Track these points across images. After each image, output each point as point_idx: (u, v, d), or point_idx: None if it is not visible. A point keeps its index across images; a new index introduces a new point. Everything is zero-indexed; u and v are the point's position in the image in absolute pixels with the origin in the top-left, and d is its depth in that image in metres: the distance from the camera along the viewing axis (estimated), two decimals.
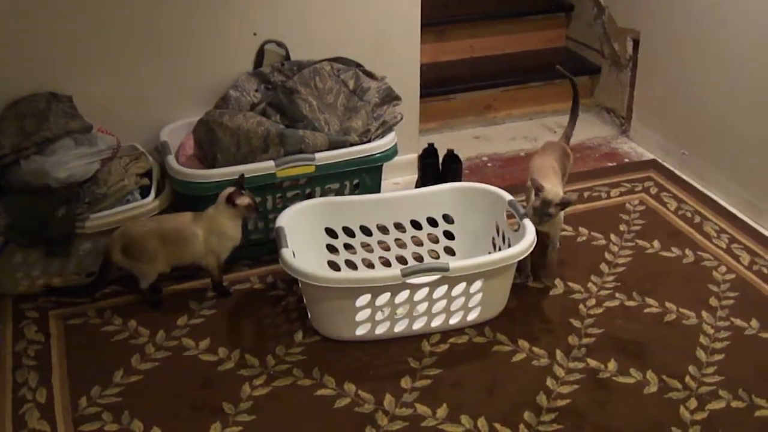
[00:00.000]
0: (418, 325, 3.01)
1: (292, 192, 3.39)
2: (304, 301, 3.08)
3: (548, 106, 4.90)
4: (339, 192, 3.47)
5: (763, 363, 2.93)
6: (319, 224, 3.28)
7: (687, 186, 4.08)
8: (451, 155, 3.93)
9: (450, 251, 3.43)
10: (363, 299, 2.88)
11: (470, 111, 4.77)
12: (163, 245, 3.11)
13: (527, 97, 4.83)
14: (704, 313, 3.16)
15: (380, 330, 2.98)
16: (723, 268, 3.43)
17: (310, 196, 3.40)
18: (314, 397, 2.77)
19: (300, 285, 3.01)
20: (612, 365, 2.90)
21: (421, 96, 4.10)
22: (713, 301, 3.23)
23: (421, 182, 3.93)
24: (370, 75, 3.63)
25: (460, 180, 3.83)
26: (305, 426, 2.66)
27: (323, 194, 3.43)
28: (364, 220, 3.34)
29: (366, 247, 3.38)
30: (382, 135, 3.48)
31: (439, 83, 4.62)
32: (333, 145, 3.36)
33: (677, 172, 4.21)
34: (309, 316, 3.07)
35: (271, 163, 3.26)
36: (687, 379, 2.84)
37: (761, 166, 3.73)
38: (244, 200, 3.11)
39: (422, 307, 2.97)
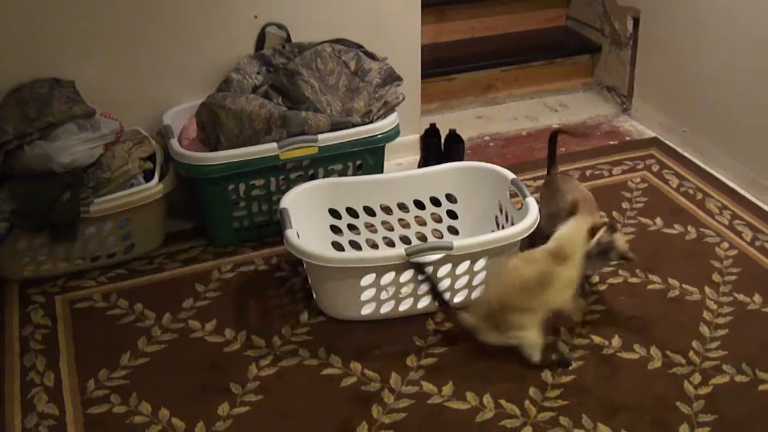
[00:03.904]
0: (422, 304, 3.02)
1: (296, 174, 3.40)
2: (309, 281, 3.09)
3: (549, 85, 4.90)
4: (342, 173, 3.48)
5: (766, 337, 2.95)
6: (323, 205, 3.28)
7: (689, 163, 4.09)
8: (453, 135, 3.94)
9: (453, 230, 3.43)
10: (368, 279, 2.90)
11: (472, 91, 4.77)
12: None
13: (528, 77, 4.83)
14: (707, 289, 3.18)
15: (385, 309, 3.00)
16: (725, 245, 3.44)
17: (314, 177, 3.41)
18: (320, 376, 2.79)
19: (305, 266, 3.03)
20: (616, 341, 2.92)
21: (423, 76, 4.10)
22: (716, 277, 3.24)
23: (424, 162, 3.94)
24: (371, 56, 3.64)
25: (462, 160, 3.84)
26: (312, 405, 2.68)
27: (326, 175, 3.44)
28: (367, 200, 3.35)
29: (370, 227, 3.39)
30: (384, 116, 3.48)
31: (440, 64, 4.62)
32: (335, 127, 3.36)
33: (679, 150, 4.21)
34: (314, 296, 3.08)
35: (274, 145, 3.26)
36: (691, 354, 2.86)
37: (762, 142, 3.74)
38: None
39: (427, 286, 2.98)
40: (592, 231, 2.85)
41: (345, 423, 2.61)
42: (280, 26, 3.65)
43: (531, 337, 2.76)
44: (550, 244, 2.84)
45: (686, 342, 2.92)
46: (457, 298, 3.04)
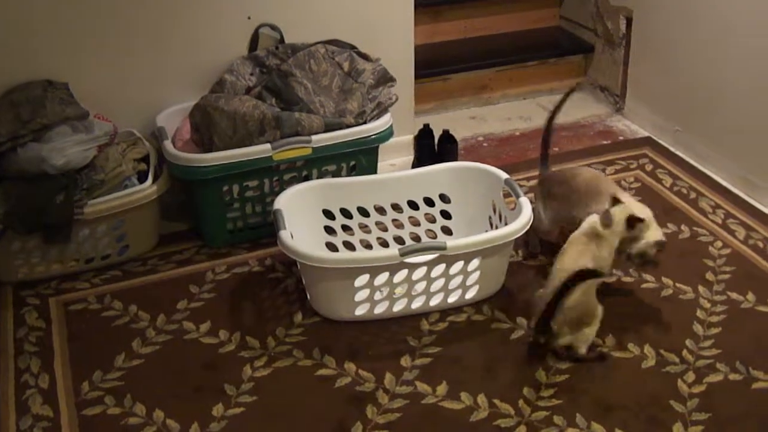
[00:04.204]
0: (416, 305, 3.03)
1: (289, 175, 3.40)
2: (303, 282, 3.09)
3: (543, 86, 4.91)
4: (336, 174, 3.48)
5: (759, 335, 2.96)
6: (317, 206, 3.29)
7: (682, 162, 4.10)
8: (446, 135, 3.95)
9: (447, 231, 3.44)
10: (362, 279, 2.90)
11: (465, 91, 4.77)
12: None
13: (522, 77, 4.84)
14: (701, 288, 3.18)
15: (379, 310, 3.00)
16: (719, 243, 3.45)
17: (307, 178, 3.41)
18: (315, 377, 2.79)
19: (299, 266, 3.03)
20: (610, 340, 2.92)
21: (417, 77, 4.10)
22: (709, 276, 3.25)
23: (418, 163, 3.95)
24: (365, 57, 3.64)
25: (456, 160, 3.84)
26: (306, 406, 2.68)
27: (320, 176, 3.44)
28: (361, 201, 3.35)
29: (364, 228, 3.39)
30: (378, 116, 3.49)
31: (434, 64, 4.61)
32: (329, 128, 3.36)
33: (672, 149, 4.22)
34: (308, 297, 3.09)
35: (268, 146, 3.26)
36: (684, 353, 2.87)
37: (755, 141, 3.75)
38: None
39: (420, 286, 2.99)
40: (630, 221, 2.87)
41: (340, 423, 2.61)
42: (274, 27, 3.65)
43: (594, 329, 2.82)
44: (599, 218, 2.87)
45: (680, 341, 2.92)
46: (451, 299, 3.05)
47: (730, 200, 3.76)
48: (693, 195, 3.81)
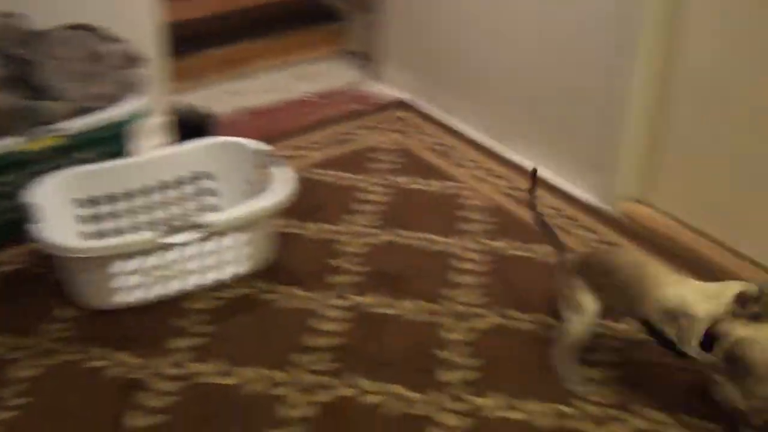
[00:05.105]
0: (181, 285, 3.01)
1: (42, 166, 3.28)
2: (62, 275, 3.02)
3: (298, 56, 4.95)
4: (91, 160, 3.38)
5: (516, 281, 3.12)
6: (73, 195, 3.19)
7: (437, 122, 4.23)
8: (204, 113, 3.92)
9: (214, 208, 3.41)
10: (119, 265, 2.85)
11: (221, 67, 4.75)
12: None
13: (276, 49, 4.85)
14: (462, 240, 3.32)
15: (143, 294, 2.96)
16: (476, 196, 3.60)
17: (62, 167, 3.31)
18: (85, 369, 2.73)
19: (54, 259, 2.95)
20: (376, 299, 3.00)
21: (170, 55, 4.04)
22: (471, 227, 3.39)
23: (178, 142, 3.90)
24: (112, 38, 3.55)
25: (216, 136, 3.82)
26: (81, 400, 2.62)
27: (76, 164, 3.34)
28: (121, 185, 3.27)
29: (129, 213, 3.31)
30: (129, 98, 3.42)
31: (187, 41, 4.55)
32: (79, 113, 3.27)
33: (426, 110, 4.34)
34: (69, 289, 3.01)
35: (18, 138, 3.15)
36: (447, 302, 2.99)
37: (504, 96, 3.91)
38: None
39: (183, 266, 2.97)
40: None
41: (116, 412, 2.57)
42: (13, 15, 3.52)
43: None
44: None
45: (440, 291, 3.05)
46: (217, 275, 3.05)
47: (484, 154, 3.91)
48: (450, 152, 3.93)
